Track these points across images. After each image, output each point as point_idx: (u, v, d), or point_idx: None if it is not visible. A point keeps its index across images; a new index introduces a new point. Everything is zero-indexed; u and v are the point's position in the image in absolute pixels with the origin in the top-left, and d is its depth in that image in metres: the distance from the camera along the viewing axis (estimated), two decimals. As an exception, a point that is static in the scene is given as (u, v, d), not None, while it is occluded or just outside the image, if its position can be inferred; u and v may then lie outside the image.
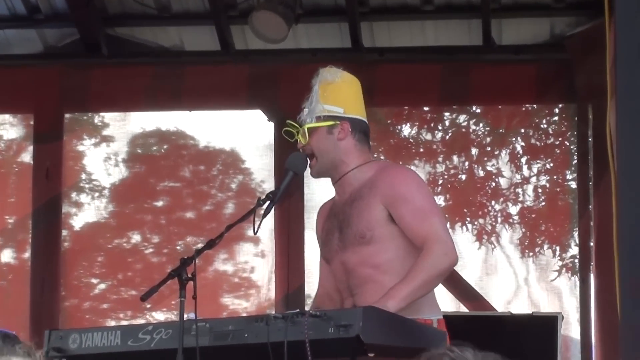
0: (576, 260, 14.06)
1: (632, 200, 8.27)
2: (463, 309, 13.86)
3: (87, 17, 14.45)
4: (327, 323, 7.33)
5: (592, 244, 13.77)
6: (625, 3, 8.38)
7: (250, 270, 15.34)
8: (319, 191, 11.18)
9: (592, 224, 13.86)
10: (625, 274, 8.47)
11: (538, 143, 15.00)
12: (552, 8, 13.93)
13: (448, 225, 13.26)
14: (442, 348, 3.81)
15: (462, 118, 15.23)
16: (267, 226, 13.31)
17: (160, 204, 15.80)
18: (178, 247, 13.93)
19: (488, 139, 15.13)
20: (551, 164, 14.86)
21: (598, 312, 13.33)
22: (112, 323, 14.16)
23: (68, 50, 14.92)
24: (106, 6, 14.64)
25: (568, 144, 14.54)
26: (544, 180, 14.85)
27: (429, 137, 15.02)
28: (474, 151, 15.03)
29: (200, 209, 15.49)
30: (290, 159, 8.90)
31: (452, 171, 15.05)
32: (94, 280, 15.65)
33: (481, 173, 14.94)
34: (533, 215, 14.85)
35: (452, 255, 8.52)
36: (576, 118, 14.20)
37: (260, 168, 14.70)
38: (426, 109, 15.02)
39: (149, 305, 12.56)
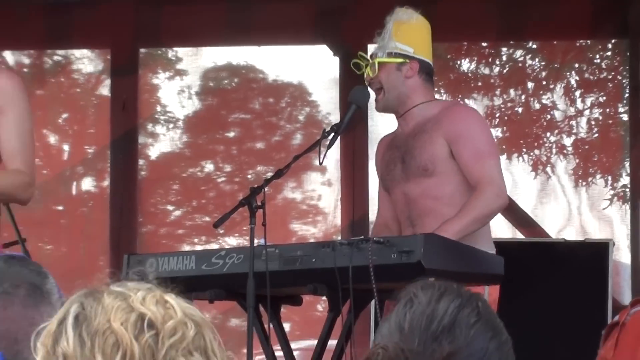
0: (627, 190, 14.50)
1: None
2: (519, 235, 14.19)
3: None
4: (390, 249, 8.34)
5: None
6: None
7: (317, 198, 15.92)
8: (382, 124, 11.66)
9: None
10: None
11: (591, 77, 15.50)
12: None
13: (505, 157, 14.31)
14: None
15: (518, 53, 15.74)
16: (333, 156, 13.49)
17: (231, 134, 16.39)
18: (249, 176, 14.42)
19: (543, 74, 15.59)
20: (604, 98, 15.25)
21: None
22: (187, 248, 14.63)
23: None
24: None
25: (620, 78, 14.90)
26: (597, 112, 15.28)
27: (487, 71, 15.54)
28: (530, 85, 15.55)
29: (269, 140, 16.09)
30: (353, 92, 9.80)
31: (509, 104, 15.55)
32: (170, 207, 16.29)
33: (537, 106, 15.44)
34: (586, 147, 15.28)
35: (503, 197, 9.57)
36: (628, 53, 14.57)
37: (326, 101, 15.21)
38: (484, 44, 15.57)
39: (221, 231, 12.78)
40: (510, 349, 3.42)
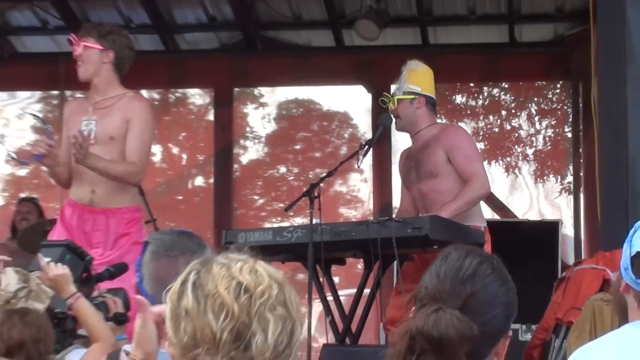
0: (571, 185, 15.12)
1: (607, 146, 9.76)
2: (496, 216, 14.47)
3: (247, 24, 14.87)
4: (406, 226, 8.94)
5: (581, 174, 14.36)
6: (604, 15, 9.30)
7: (357, 191, 16.98)
8: (400, 140, 11.94)
9: (581, 161, 14.41)
10: (603, 194, 10.05)
11: (545, 107, 16.20)
12: (555, 17, 14.41)
13: (486, 162, 14.68)
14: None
15: (495, 91, 16.47)
16: (367, 162, 13.32)
17: (297, 147, 16.96)
18: (310, 176, 14.96)
19: (512, 105, 16.36)
20: (554, 121, 16.00)
21: (585, 219, 14.11)
22: (267, 225, 15.24)
23: (236, 46, 15.38)
24: (259, 16, 14.96)
25: (565, 107, 15.58)
26: (550, 132, 16.07)
27: (473, 103, 16.29)
28: (503, 113, 16.27)
29: (324, 151, 16.79)
30: (380, 118, 10.52)
31: (488, 126, 16.29)
32: (255, 197, 17.17)
33: (508, 127, 16.26)
34: (542, 155, 16.08)
35: (487, 187, 10.08)
36: (571, 90, 15.07)
37: (362, 124, 16.06)
38: (471, 84, 16.18)
39: (291, 214, 12.93)
40: (515, 294, 3.76)
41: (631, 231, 4.81)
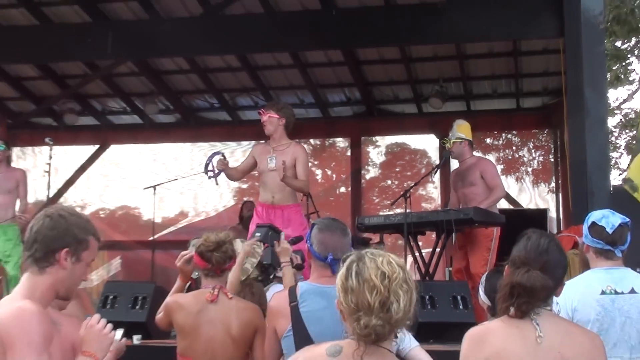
0: (554, 188, 15.06)
1: (574, 166, 9.42)
2: (510, 206, 14.36)
3: (368, 101, 14.98)
4: (459, 213, 9.29)
5: (560, 182, 14.49)
6: (570, 92, 9.68)
7: (431, 193, 16.61)
8: (453, 164, 11.26)
9: (559, 174, 14.54)
10: (573, 193, 9.43)
11: (538, 144, 16.18)
12: (542, 93, 14.50)
13: (504, 176, 14.83)
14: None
15: (509, 136, 16.33)
16: (437, 177, 14.73)
17: (397, 169, 17.07)
18: (404, 185, 14.60)
19: (519, 143, 16.32)
20: (543, 152, 15.99)
21: (563, 208, 14.00)
22: (380, 213, 13.91)
23: (362, 114, 15.42)
24: (375, 97, 15.02)
25: (550, 144, 15.43)
26: (541, 158, 16.07)
27: (496, 142, 16.18)
28: (513, 148, 16.23)
29: (412, 171, 16.62)
30: (444, 152, 10.97)
31: (505, 156, 16.27)
32: (374, 198, 16.86)
33: (516, 156, 16.09)
34: (537, 171, 16.00)
35: (503, 194, 10.38)
36: (552, 135, 15.15)
37: (434, 156, 15.69)
38: (495, 132, 15.97)
39: (394, 207, 11.72)
40: (566, 259, 3.95)
41: (587, 216, 5.24)
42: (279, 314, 4.68)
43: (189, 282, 5.93)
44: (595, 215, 5.28)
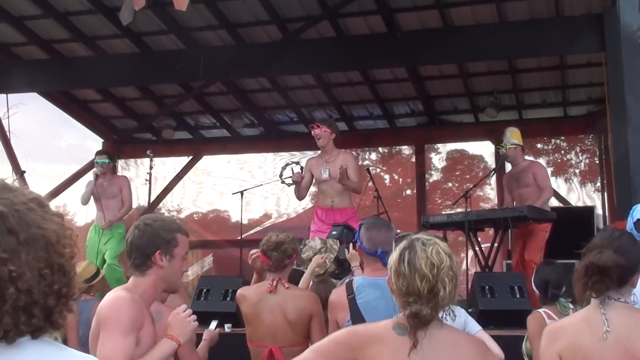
0: (599, 187, 14.82)
1: (618, 167, 9.33)
2: (560, 204, 14.31)
3: (430, 112, 14.91)
4: (514, 211, 9.32)
5: (605, 182, 14.31)
6: (613, 101, 9.57)
7: (488, 194, 16.32)
8: (507, 168, 10.92)
9: (604, 175, 14.32)
10: (617, 191, 9.64)
11: (584, 148, 15.94)
12: (587, 102, 14.30)
13: (554, 177, 14.93)
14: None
15: (557, 141, 16.06)
16: (493, 179, 14.52)
17: (457, 173, 16.90)
18: (464, 187, 13.90)
19: (567, 148, 16.09)
20: (589, 155, 15.79)
21: (608, 205, 13.87)
22: (443, 212, 13.08)
23: (424, 124, 15.33)
24: (436, 108, 14.91)
25: (595, 148, 15.20)
26: (587, 160, 15.84)
27: (546, 147, 15.94)
28: (562, 152, 16.02)
29: (470, 174, 16.52)
30: (501, 157, 10.75)
31: (555, 159, 16.05)
32: (437, 199, 16.74)
33: (565, 159, 15.92)
34: (584, 172, 15.76)
35: (551, 194, 10.38)
36: (597, 139, 14.94)
37: (490, 161, 15.58)
38: (545, 138, 15.74)
39: (455, 206, 11.65)
40: (636, 241, 3.79)
41: (631, 211, 5.30)
42: (338, 307, 4.70)
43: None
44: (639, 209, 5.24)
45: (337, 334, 3.20)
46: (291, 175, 9.96)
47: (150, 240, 3.70)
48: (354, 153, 10.42)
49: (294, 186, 9.98)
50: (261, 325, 5.47)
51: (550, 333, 3.59)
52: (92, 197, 11.07)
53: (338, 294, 4.89)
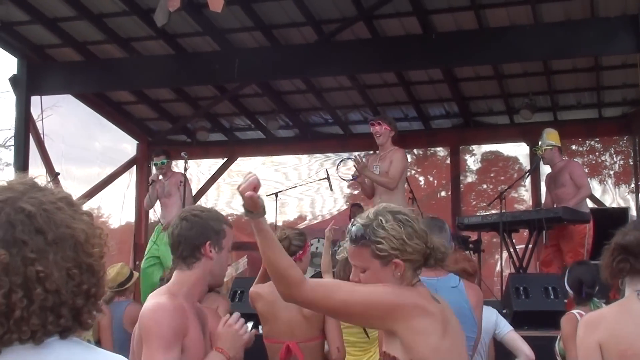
0: (634, 189, 14.70)
1: None
2: (595, 205, 13.65)
3: (465, 114, 14.90)
4: (550, 212, 9.63)
5: (639, 183, 14.22)
6: None
7: (523, 195, 16.57)
8: (546, 169, 11.44)
9: (639, 176, 14.33)
10: None
11: (619, 149, 16.22)
12: (622, 103, 14.26)
13: (590, 178, 13.74)
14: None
15: (592, 142, 16.38)
16: (527, 181, 14.52)
17: (492, 175, 17.26)
18: (498, 189, 13.93)
19: (601, 149, 16.34)
20: (624, 157, 16.00)
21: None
22: (477, 214, 14.17)
23: (460, 126, 15.35)
24: (471, 110, 14.94)
25: (630, 150, 15.08)
26: (621, 162, 16.10)
27: (580, 149, 16.20)
28: (596, 153, 16.36)
29: (505, 176, 16.86)
30: (535, 158, 11.06)
31: (589, 160, 16.37)
32: (472, 200, 17.05)
33: (599, 160, 16.26)
34: (618, 174, 16.00)
35: (589, 192, 10.55)
36: (632, 141, 14.83)
37: (525, 163, 15.59)
38: (579, 139, 15.88)
39: (490, 208, 12.03)
40: None
41: None
42: None
43: None
44: None
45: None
46: (351, 170, 9.96)
47: (200, 231, 3.65)
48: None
49: (348, 182, 10.09)
50: (278, 322, 5.49)
51: (589, 323, 3.54)
52: (157, 199, 11.33)
53: None
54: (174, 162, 15.01)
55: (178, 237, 3.67)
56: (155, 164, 11.15)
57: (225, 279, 14.91)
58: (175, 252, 3.69)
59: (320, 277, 8.94)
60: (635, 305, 3.44)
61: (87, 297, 1.83)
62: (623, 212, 12.97)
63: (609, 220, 10.89)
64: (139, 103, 14.99)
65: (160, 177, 11.21)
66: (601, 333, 3.42)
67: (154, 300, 3.53)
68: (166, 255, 10.53)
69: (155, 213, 11.85)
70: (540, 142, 10.53)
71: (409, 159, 16.46)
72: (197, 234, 3.64)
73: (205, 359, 3.52)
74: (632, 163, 15.05)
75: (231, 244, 3.80)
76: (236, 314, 3.72)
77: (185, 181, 11.17)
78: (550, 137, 10.50)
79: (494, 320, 6.21)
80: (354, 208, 12.33)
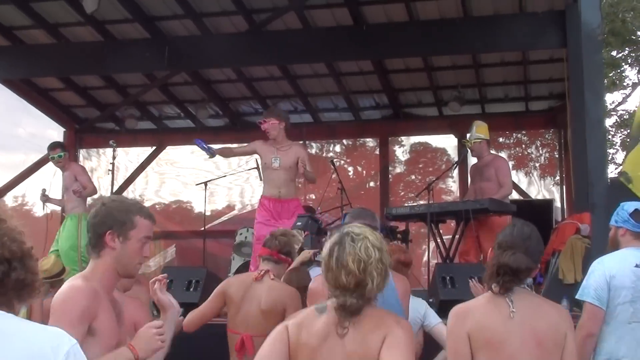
0: (559, 181, 14.93)
1: (576, 161, 9.49)
2: (520, 197, 14.46)
3: (395, 106, 14.93)
4: (477, 203, 9.60)
5: (564, 175, 14.30)
6: (573, 96, 9.70)
7: (450, 186, 16.25)
8: (473, 161, 11.14)
9: (563, 168, 14.47)
10: (575, 185, 9.80)
11: (545, 142, 16.24)
12: (549, 97, 14.51)
13: (515, 170, 15.07)
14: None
15: (519, 135, 16.39)
16: (455, 172, 14.58)
17: (420, 166, 16.96)
18: (426, 180, 13.47)
19: (528, 142, 16.39)
20: (549, 149, 16.01)
21: (566, 198, 13.94)
22: (406, 204, 13.56)
23: (389, 117, 15.30)
24: (400, 102, 14.95)
25: (555, 142, 15.36)
26: (547, 154, 16.08)
27: (507, 141, 16.32)
28: (523, 146, 16.36)
29: (433, 167, 16.69)
30: (462, 150, 11.27)
31: (516, 152, 16.40)
32: (400, 191, 16.78)
33: (526, 153, 16.29)
34: (544, 166, 15.97)
35: (511, 189, 10.68)
36: (557, 134, 15.11)
37: (453, 154, 15.68)
38: (507, 132, 16.00)
39: (418, 199, 12.06)
40: (543, 247, 4.08)
41: (621, 205, 5.37)
42: (317, 294, 4.70)
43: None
44: (631, 204, 5.47)
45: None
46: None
47: (102, 220, 3.63)
48: (318, 144, 10.41)
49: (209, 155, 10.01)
50: (238, 312, 5.65)
51: (458, 314, 3.80)
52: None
53: (318, 282, 4.97)
54: (101, 150, 15.03)
55: (87, 225, 3.69)
56: (53, 158, 10.99)
57: (153, 268, 14.70)
58: (87, 240, 3.70)
59: (248, 267, 9.26)
60: (499, 299, 3.74)
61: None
62: (548, 203, 13.20)
63: (534, 212, 11.21)
64: (67, 90, 14.83)
65: (47, 193, 11.07)
66: (469, 323, 3.71)
67: (68, 283, 3.54)
68: (63, 246, 10.59)
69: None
70: (469, 135, 10.62)
71: (339, 150, 17.03)
72: (99, 223, 3.63)
73: (115, 350, 3.51)
74: (557, 156, 15.31)
75: (147, 235, 3.71)
76: (160, 322, 3.69)
77: (80, 168, 11.40)
78: (480, 130, 10.59)
79: (423, 312, 6.35)
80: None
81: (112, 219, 3.62)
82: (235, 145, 11.20)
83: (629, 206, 5.42)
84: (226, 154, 10.46)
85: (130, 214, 3.65)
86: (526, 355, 3.60)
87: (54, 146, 11.26)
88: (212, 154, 9.90)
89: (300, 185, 12.69)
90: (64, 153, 11.09)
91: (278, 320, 5.07)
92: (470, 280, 6.06)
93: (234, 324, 5.66)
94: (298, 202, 9.75)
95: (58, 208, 11.70)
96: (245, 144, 10.22)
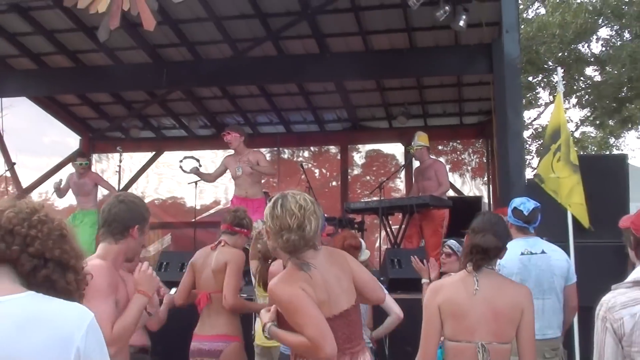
0: (487, 181, 14.79)
1: (501, 165, 9.41)
2: (454, 194, 14.11)
3: (353, 119, 14.58)
4: (420, 199, 9.18)
5: (490, 177, 14.08)
6: (498, 112, 9.66)
7: (399, 185, 16.06)
8: (416, 164, 10.86)
9: (490, 171, 14.21)
10: (500, 185, 9.74)
11: (475, 150, 16.08)
12: (478, 113, 14.34)
13: (451, 173, 14.83)
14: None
15: (455, 144, 16.24)
16: (403, 174, 14.52)
17: (374, 168, 16.90)
18: (379, 180, 13.46)
19: (461, 149, 16.25)
20: (479, 155, 15.84)
21: (492, 196, 13.55)
22: (362, 200, 13.94)
23: (348, 128, 14.99)
24: (358, 116, 14.59)
25: (484, 150, 15.22)
26: (477, 159, 15.90)
27: (445, 149, 16.08)
28: (458, 152, 16.17)
29: (384, 170, 16.51)
30: (408, 156, 10.89)
31: (452, 158, 16.17)
32: (357, 189, 16.56)
33: (460, 158, 16.04)
34: (474, 169, 15.96)
35: (448, 188, 10.42)
36: (485, 143, 14.99)
37: (400, 159, 15.49)
38: (445, 141, 15.80)
39: (371, 196, 11.90)
40: (509, 232, 4.05)
41: (510, 202, 5.36)
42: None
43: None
44: (516, 202, 5.48)
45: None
46: (194, 166, 10.05)
47: (133, 215, 3.66)
48: (290, 150, 10.38)
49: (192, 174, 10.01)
50: (201, 276, 5.72)
51: (432, 289, 3.79)
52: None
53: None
54: (110, 155, 15.00)
55: (114, 216, 3.66)
56: (80, 164, 10.77)
57: (152, 253, 14.62)
58: (107, 227, 3.68)
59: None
60: (468, 278, 3.70)
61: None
62: (477, 200, 13.15)
63: (466, 206, 11.22)
64: (82, 105, 14.79)
65: (63, 184, 10.79)
66: (440, 298, 3.69)
67: (89, 263, 3.61)
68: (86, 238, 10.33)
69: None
70: (412, 143, 10.53)
71: (307, 155, 16.80)
72: (130, 217, 3.65)
73: (131, 300, 3.56)
74: (485, 161, 15.24)
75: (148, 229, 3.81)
76: (146, 263, 3.74)
77: (100, 176, 11.23)
78: (421, 139, 10.54)
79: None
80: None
81: (140, 216, 3.69)
82: (212, 169, 11.03)
83: (513, 203, 5.42)
84: (207, 179, 10.30)
85: (148, 213, 3.75)
86: (484, 327, 3.57)
87: (82, 155, 11.23)
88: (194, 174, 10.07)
89: (275, 185, 12.71)
90: (88, 162, 11.06)
91: (224, 276, 5.41)
92: (412, 258, 6.11)
93: (198, 285, 5.70)
94: (263, 200, 9.61)
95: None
96: (218, 166, 10.23)
